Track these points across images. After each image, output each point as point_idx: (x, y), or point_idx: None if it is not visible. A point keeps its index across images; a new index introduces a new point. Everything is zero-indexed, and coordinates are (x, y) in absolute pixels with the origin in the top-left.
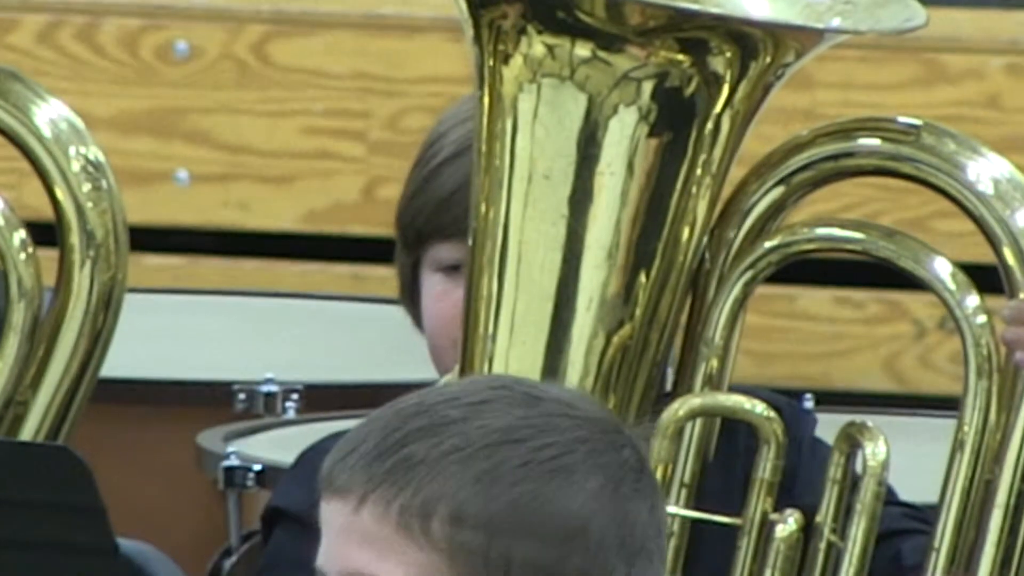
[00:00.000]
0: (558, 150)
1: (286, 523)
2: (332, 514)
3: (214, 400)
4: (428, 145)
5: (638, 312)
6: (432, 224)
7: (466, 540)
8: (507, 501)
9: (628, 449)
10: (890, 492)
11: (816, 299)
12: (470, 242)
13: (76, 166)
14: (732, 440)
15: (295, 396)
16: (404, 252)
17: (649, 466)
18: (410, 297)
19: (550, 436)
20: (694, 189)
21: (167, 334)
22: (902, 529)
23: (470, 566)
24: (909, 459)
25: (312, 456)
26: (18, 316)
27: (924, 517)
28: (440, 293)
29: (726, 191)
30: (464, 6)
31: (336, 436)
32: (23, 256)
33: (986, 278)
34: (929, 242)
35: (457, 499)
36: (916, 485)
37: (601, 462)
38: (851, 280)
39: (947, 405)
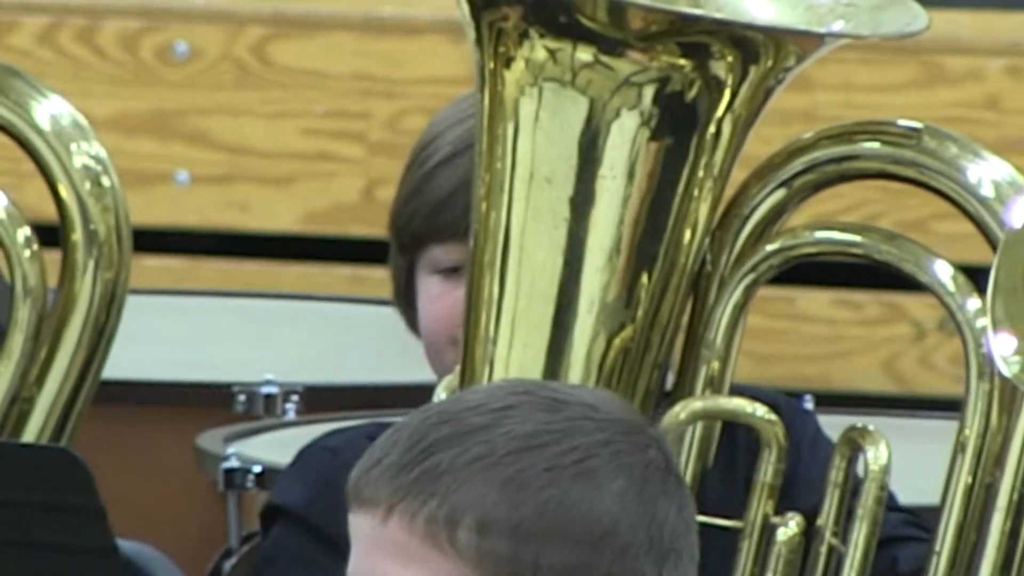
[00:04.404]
0: (559, 153)
1: (285, 520)
2: (360, 526)
3: (214, 401)
4: (423, 147)
5: (639, 315)
6: (429, 226)
7: (493, 548)
8: (533, 507)
9: (654, 449)
10: (890, 497)
11: (815, 300)
12: (471, 245)
13: (78, 162)
14: (732, 442)
15: (295, 397)
16: (399, 255)
17: (676, 466)
18: (405, 299)
19: (574, 440)
20: (696, 192)
21: (167, 335)
22: (900, 536)
23: (498, 574)
24: (908, 460)
25: (310, 453)
26: (23, 314)
27: (923, 524)
28: (437, 295)
29: (727, 193)
30: (466, 8)
31: (336, 433)
32: (28, 253)
33: (986, 279)
34: (928, 244)
35: (483, 507)
36: (915, 486)
37: (626, 463)
38: (850, 282)
39: (946, 406)
